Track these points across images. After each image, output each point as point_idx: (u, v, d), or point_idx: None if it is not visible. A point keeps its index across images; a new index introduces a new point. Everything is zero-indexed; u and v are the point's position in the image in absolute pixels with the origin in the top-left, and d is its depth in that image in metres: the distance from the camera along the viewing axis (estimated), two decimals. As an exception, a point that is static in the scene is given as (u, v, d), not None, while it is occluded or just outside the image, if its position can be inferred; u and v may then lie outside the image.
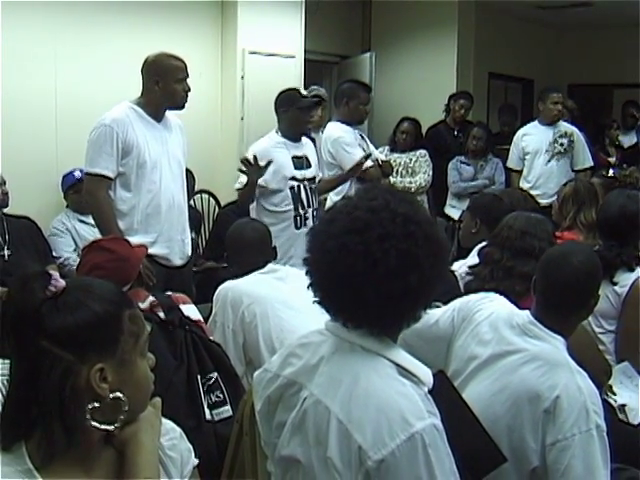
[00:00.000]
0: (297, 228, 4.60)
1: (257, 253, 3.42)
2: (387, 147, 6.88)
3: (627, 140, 8.46)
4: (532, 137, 6.52)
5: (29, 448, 1.41)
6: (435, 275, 1.67)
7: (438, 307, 2.50)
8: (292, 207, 4.63)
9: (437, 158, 6.78)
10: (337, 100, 5.43)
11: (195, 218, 5.88)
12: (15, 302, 1.42)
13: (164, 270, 3.93)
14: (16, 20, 5.09)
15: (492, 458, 2.14)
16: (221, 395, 2.81)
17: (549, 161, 6.42)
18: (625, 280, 3.34)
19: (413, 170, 6.67)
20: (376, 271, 1.60)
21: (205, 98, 6.38)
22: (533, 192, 5.76)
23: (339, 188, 5.05)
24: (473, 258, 3.59)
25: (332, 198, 5.10)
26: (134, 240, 3.51)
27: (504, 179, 6.81)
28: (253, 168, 4.39)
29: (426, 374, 1.71)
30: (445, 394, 2.04)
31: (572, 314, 2.34)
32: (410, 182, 6.59)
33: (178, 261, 4.11)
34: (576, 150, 6.46)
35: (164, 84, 3.94)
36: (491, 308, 2.42)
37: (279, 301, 3.21)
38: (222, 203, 6.53)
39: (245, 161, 4.41)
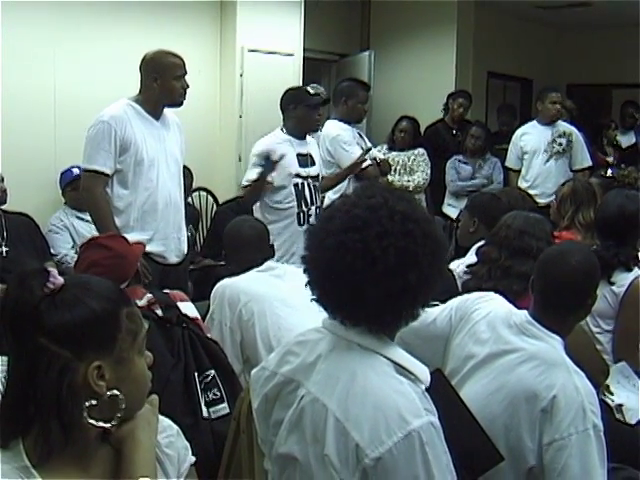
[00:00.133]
0: (300, 225, 4.60)
1: (255, 251, 3.42)
2: (385, 146, 6.88)
3: (626, 140, 8.46)
4: (531, 137, 6.52)
5: (26, 445, 1.41)
6: (433, 273, 1.67)
7: (436, 306, 2.50)
8: (295, 204, 4.64)
9: (435, 157, 6.79)
10: (336, 99, 5.43)
11: (193, 215, 5.88)
12: (13, 299, 1.42)
13: (160, 268, 3.93)
14: (15, 19, 5.09)
15: (489, 457, 2.14)
16: (218, 393, 2.81)
17: (547, 161, 6.42)
18: (623, 280, 3.34)
19: (411, 169, 6.68)
20: (374, 269, 1.60)
21: (204, 96, 6.38)
22: (531, 191, 5.76)
23: (337, 187, 5.05)
24: (471, 257, 3.59)
25: (330, 196, 5.10)
26: (130, 237, 3.51)
27: (502, 178, 6.81)
28: (271, 164, 4.41)
29: (423, 372, 1.71)
30: (442, 392, 2.04)
31: (570, 314, 2.34)
32: (408, 181, 6.60)
33: (174, 259, 4.10)
34: (575, 150, 6.46)
35: (162, 81, 3.94)
36: (489, 307, 2.42)
37: (277, 299, 3.21)
38: (220, 201, 6.54)
39: (266, 156, 4.43)
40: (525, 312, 2.36)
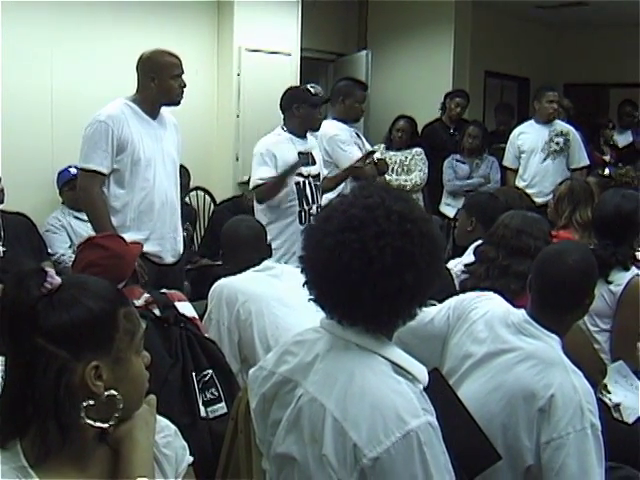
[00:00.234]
0: (301, 224, 4.59)
1: (252, 250, 3.42)
2: (383, 145, 6.88)
3: (623, 139, 8.47)
4: (528, 136, 6.53)
5: (24, 446, 1.41)
6: (431, 273, 1.67)
7: (433, 305, 2.50)
8: (297, 202, 4.64)
9: (433, 156, 6.79)
10: (333, 98, 5.44)
11: (190, 215, 5.88)
12: (10, 299, 1.41)
13: (156, 268, 3.92)
14: (13, 19, 5.07)
15: (487, 456, 2.14)
16: (216, 392, 2.81)
17: (545, 160, 6.43)
18: (620, 279, 3.35)
19: (409, 168, 6.68)
20: (372, 269, 1.60)
21: (201, 95, 6.38)
22: (528, 191, 5.74)
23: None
24: (469, 256, 3.59)
25: (327, 196, 5.10)
26: (126, 237, 3.50)
27: (499, 177, 6.81)
28: (298, 165, 4.51)
29: (421, 372, 1.71)
30: (440, 392, 2.03)
31: (568, 313, 2.34)
32: (405, 180, 6.60)
33: (170, 259, 4.10)
34: (572, 149, 6.47)
35: (160, 81, 3.93)
36: (486, 306, 2.42)
37: (274, 298, 3.21)
38: (217, 200, 6.54)
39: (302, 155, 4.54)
40: (523, 311, 2.36)
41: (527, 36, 9.60)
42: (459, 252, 3.90)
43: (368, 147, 5.62)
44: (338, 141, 5.11)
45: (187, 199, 6.14)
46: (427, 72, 8.08)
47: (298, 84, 6.44)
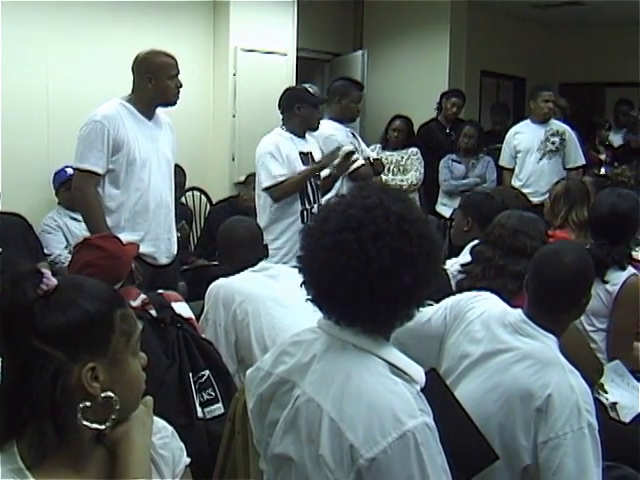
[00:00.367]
0: (304, 223, 4.58)
1: (249, 251, 3.41)
2: (379, 145, 6.89)
3: (619, 139, 8.49)
4: (524, 135, 6.53)
5: (20, 447, 1.41)
6: (429, 274, 1.67)
7: (430, 305, 2.50)
8: (299, 202, 4.64)
9: (429, 156, 6.79)
10: (329, 98, 5.43)
11: (186, 215, 5.88)
12: (6, 301, 1.41)
13: (150, 269, 3.91)
14: (9, 19, 5.06)
15: (484, 456, 2.14)
16: (213, 393, 2.81)
17: (540, 159, 6.43)
18: (616, 279, 3.35)
19: (405, 168, 6.68)
20: (370, 269, 1.60)
21: (197, 96, 6.37)
22: (524, 190, 5.72)
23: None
24: (465, 256, 3.59)
25: (326, 196, 5.11)
26: (121, 238, 3.50)
27: (495, 177, 6.81)
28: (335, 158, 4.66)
29: (418, 372, 1.71)
30: (437, 392, 2.04)
31: (564, 313, 2.34)
32: (402, 180, 6.60)
33: (164, 260, 4.09)
34: (568, 148, 6.47)
35: (157, 81, 3.93)
36: (483, 306, 2.42)
37: (271, 299, 3.20)
38: (213, 200, 6.54)
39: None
40: (519, 311, 2.36)
41: (523, 36, 9.62)
42: (455, 252, 3.90)
43: (364, 147, 5.62)
44: (334, 141, 5.10)
45: (183, 199, 6.14)
46: (423, 72, 8.09)
47: (294, 84, 6.44)
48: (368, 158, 5.48)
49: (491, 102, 9.15)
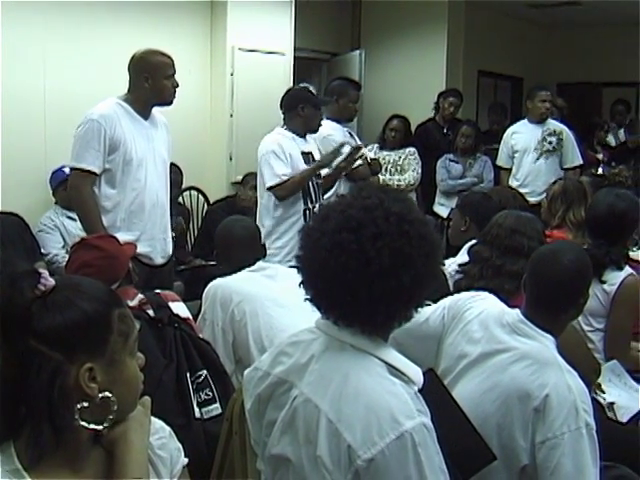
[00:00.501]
0: (306, 222, 4.58)
1: (246, 251, 3.41)
2: (376, 145, 6.88)
3: (614, 138, 8.50)
4: (521, 135, 6.53)
5: (17, 448, 1.40)
6: (428, 275, 1.67)
7: (428, 305, 2.50)
8: (302, 201, 4.64)
9: (426, 156, 6.79)
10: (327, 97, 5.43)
11: (183, 215, 5.88)
12: (4, 301, 1.40)
13: (146, 269, 3.89)
14: (8, 19, 5.05)
15: (482, 456, 2.14)
16: (210, 393, 2.80)
17: (538, 159, 6.43)
18: (614, 279, 3.35)
19: (402, 168, 6.68)
20: (369, 269, 1.60)
21: (194, 95, 6.37)
22: (522, 190, 5.73)
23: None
24: (463, 256, 3.59)
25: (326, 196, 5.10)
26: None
27: (493, 177, 6.82)
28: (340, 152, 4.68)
29: (416, 373, 1.71)
30: (435, 392, 2.04)
31: (562, 313, 2.35)
32: (399, 180, 6.60)
33: (160, 260, 4.08)
34: (565, 148, 6.47)
35: (154, 81, 3.92)
36: (481, 306, 2.42)
37: (269, 299, 3.20)
38: (211, 200, 6.53)
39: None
40: (517, 311, 2.36)
41: (520, 36, 9.62)
42: (453, 252, 3.90)
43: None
44: (332, 141, 5.10)
45: (180, 199, 6.13)
46: (420, 72, 8.09)
47: (292, 84, 6.44)
48: (366, 158, 5.48)
49: (488, 102, 9.15)
